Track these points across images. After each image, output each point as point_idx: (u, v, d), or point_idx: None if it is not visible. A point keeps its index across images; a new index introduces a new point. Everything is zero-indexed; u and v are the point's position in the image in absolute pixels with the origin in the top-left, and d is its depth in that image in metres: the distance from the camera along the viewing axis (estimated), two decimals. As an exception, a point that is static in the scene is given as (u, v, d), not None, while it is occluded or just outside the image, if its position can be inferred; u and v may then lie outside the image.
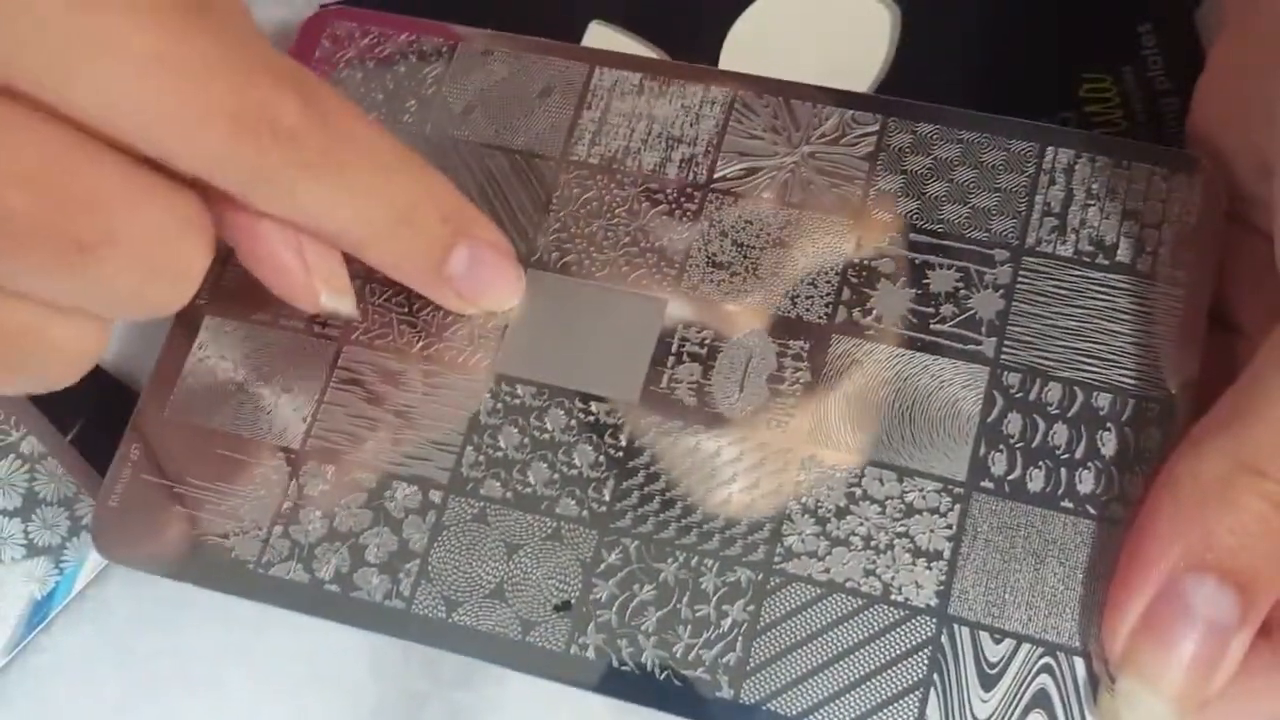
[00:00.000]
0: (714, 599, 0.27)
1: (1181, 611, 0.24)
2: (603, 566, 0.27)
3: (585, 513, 0.28)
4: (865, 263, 0.29)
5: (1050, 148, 0.29)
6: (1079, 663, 0.26)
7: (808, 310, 0.29)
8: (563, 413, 0.29)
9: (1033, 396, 0.27)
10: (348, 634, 0.32)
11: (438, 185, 0.27)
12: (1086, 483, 0.27)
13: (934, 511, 0.27)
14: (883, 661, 0.26)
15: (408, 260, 0.28)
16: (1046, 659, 0.26)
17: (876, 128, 0.30)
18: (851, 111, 0.30)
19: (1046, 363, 0.28)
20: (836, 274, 0.29)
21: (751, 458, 0.28)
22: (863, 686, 0.26)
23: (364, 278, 0.30)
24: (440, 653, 0.32)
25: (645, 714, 0.31)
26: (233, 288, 0.31)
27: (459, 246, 0.28)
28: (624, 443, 0.28)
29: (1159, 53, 0.34)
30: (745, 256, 0.29)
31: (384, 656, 0.32)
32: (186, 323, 0.30)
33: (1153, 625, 0.24)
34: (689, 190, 0.30)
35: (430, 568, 0.28)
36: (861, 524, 0.27)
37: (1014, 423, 0.27)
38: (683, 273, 0.29)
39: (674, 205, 0.30)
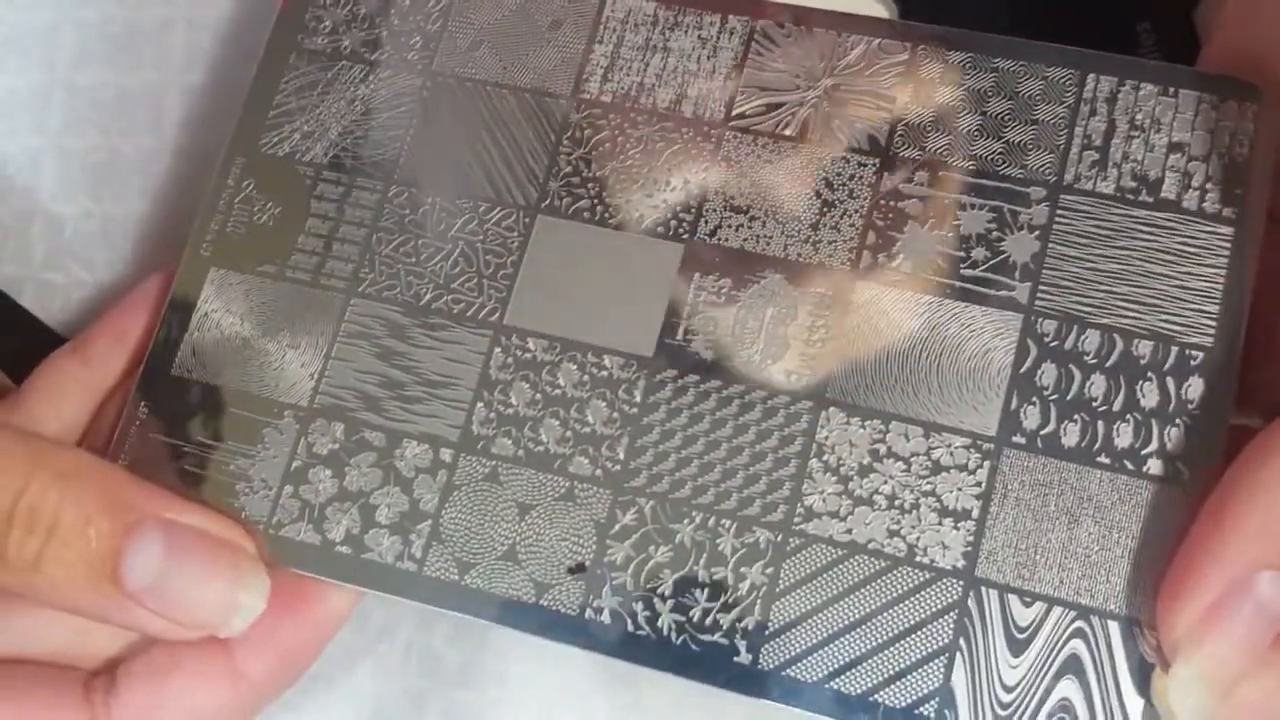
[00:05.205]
0: (732, 561, 0.26)
1: (1254, 609, 0.22)
2: (617, 527, 0.26)
3: (599, 472, 0.27)
4: (891, 204, 0.27)
5: (1091, 75, 0.27)
6: (1114, 627, 0.24)
7: (830, 256, 0.27)
8: (575, 367, 0.27)
9: (1069, 345, 0.26)
10: (348, 633, 0.31)
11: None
12: (1125, 437, 0.25)
13: (962, 468, 0.26)
14: (906, 626, 0.25)
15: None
16: (1079, 623, 0.25)
17: (905, 57, 0.28)
18: (878, 40, 0.28)
19: (1084, 309, 0.26)
20: (861, 216, 0.27)
21: (771, 413, 0.26)
22: (885, 652, 0.25)
23: (370, 226, 0.29)
24: (440, 651, 0.31)
25: (651, 706, 0.31)
26: (237, 238, 0.30)
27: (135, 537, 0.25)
28: (638, 399, 0.27)
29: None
30: (765, 199, 0.28)
31: (384, 656, 0.32)
32: (192, 276, 0.29)
33: (1220, 618, 0.22)
34: (706, 129, 0.28)
35: (442, 529, 0.27)
36: (885, 482, 0.26)
37: (1048, 373, 0.26)
38: (699, 217, 0.28)
39: (690, 145, 0.28)
